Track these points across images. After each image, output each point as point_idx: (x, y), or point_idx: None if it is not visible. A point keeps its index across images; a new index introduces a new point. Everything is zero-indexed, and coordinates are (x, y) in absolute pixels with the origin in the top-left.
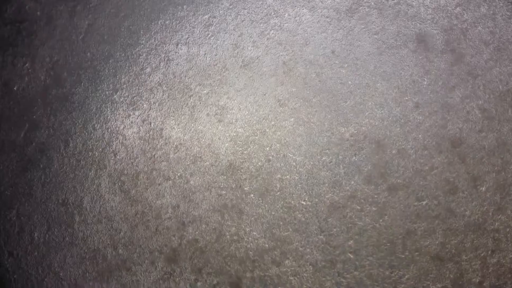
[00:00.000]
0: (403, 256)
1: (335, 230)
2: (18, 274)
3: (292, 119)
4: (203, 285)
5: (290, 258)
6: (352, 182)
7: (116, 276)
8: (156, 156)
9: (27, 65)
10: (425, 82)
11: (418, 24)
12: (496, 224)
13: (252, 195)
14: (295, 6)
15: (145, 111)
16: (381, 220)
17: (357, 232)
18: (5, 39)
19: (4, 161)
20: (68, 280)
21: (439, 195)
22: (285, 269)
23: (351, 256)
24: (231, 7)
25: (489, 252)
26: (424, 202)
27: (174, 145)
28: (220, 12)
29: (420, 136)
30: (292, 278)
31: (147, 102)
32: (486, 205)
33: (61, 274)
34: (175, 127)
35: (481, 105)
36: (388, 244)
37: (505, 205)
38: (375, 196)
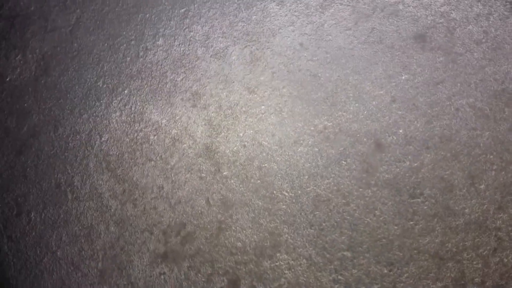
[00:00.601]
0: (401, 254)
1: (324, 224)
2: (17, 257)
3: (262, 107)
4: (197, 273)
5: (281, 250)
6: (333, 175)
7: (111, 255)
8: (137, 137)
9: (19, 57)
10: (403, 77)
11: (395, 21)
12: (498, 222)
13: (232, 180)
14: (264, 0)
15: (126, 96)
16: (371, 215)
17: (347, 228)
18: None
19: (0, 146)
20: (66, 259)
21: (435, 192)
22: (278, 263)
23: (348, 254)
24: (205, 1)
25: (491, 251)
26: (419, 199)
27: (153, 128)
28: (195, 5)
29: (401, 131)
30: (287, 272)
31: (127, 89)
32: (486, 203)
33: (58, 254)
34: (154, 111)
35: (472, 103)
36: (384, 241)
37: (507, 203)
38: (360, 189)
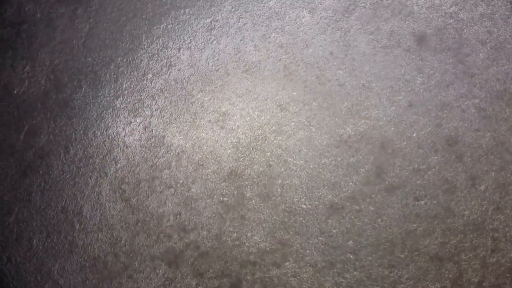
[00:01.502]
0: (402, 256)
1: (334, 231)
2: (16, 280)
3: (292, 123)
4: None
5: (290, 259)
6: (351, 183)
7: (117, 284)
8: (157, 164)
9: (27, 68)
10: (418, 81)
11: (411, 23)
12: (496, 223)
13: (253, 200)
14: (296, 8)
15: (146, 118)
16: (379, 220)
17: (356, 233)
18: (4, 41)
19: (3, 165)
20: (68, 287)
21: (438, 194)
22: (285, 271)
23: (351, 256)
24: (233, 10)
25: (489, 252)
26: (422, 202)
27: (176, 153)
28: (222, 15)
29: (414, 135)
30: (292, 279)
31: (148, 109)
32: (485, 204)
33: (60, 282)
34: (177, 135)
35: (477, 104)
36: (387, 244)
37: (505, 204)
38: (373, 196)
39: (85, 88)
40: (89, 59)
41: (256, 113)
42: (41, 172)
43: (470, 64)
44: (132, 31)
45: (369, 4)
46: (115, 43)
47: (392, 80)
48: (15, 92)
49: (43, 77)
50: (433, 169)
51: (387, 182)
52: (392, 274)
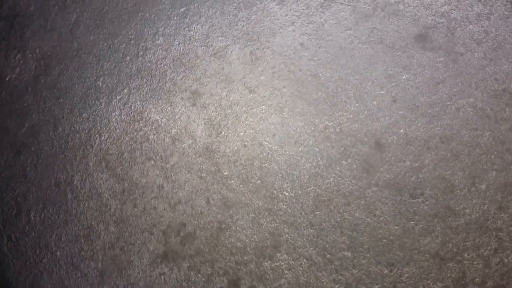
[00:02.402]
0: (401, 254)
1: (324, 224)
2: (16, 258)
3: (263, 106)
4: (197, 273)
5: (282, 250)
6: (333, 175)
7: (111, 256)
8: (137, 136)
9: (18, 56)
10: (403, 77)
11: (395, 21)
12: (499, 222)
13: (232, 180)
14: (264, 0)
15: (125, 96)
16: (372, 215)
17: (348, 227)
18: None
19: None
20: (65, 260)
21: (436, 192)
22: (278, 263)
23: (348, 254)
24: (205, 0)
25: (492, 251)
26: (419, 199)
27: (153, 127)
28: (195, 5)
29: (401, 131)
30: (287, 272)
31: (127, 88)
32: (487, 203)
33: (58, 254)
34: (153, 110)
35: (473, 102)
36: (384, 241)
37: (507, 204)
38: (361, 190)
39: (71, 70)
40: (75, 44)
41: (225, 92)
42: (33, 148)
43: (464, 63)
44: (113, 19)
45: (347, 1)
46: (98, 29)
47: (372, 75)
48: (7, 79)
49: (33, 63)
50: (428, 167)
51: (376, 177)
52: (392, 273)
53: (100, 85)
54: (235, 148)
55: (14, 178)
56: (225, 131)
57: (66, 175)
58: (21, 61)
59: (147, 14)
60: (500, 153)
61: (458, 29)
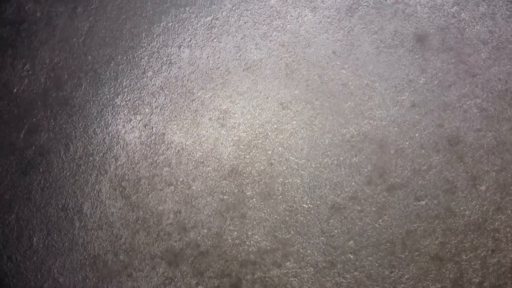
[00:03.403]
0: (402, 256)
1: (336, 231)
2: (17, 278)
3: (294, 122)
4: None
5: (291, 259)
6: (353, 183)
7: (117, 282)
8: (157, 161)
9: (27, 66)
10: (421, 81)
11: (414, 23)
12: (496, 223)
13: (254, 199)
14: (297, 7)
15: (146, 116)
16: (380, 220)
17: (357, 233)
18: (4, 40)
19: (3, 163)
20: (67, 286)
21: (439, 194)
22: (286, 271)
23: (351, 257)
24: (233, 8)
25: (489, 252)
26: (423, 202)
27: (176, 150)
28: (223, 13)
29: (417, 135)
30: (293, 279)
31: (148, 107)
32: (486, 204)
33: (60, 280)
34: (177, 132)
35: (479, 103)
36: (388, 244)
37: (505, 204)
38: (375, 196)
39: (85, 86)
40: (89, 57)
41: (257, 111)
42: (41, 170)
43: (472, 64)
44: (132, 29)
45: (372, 3)
46: (115, 41)
47: (395, 80)
48: (15, 90)
49: (43, 75)
50: (434, 169)
51: (389, 183)
52: (392, 274)
53: (118, 103)
54: (262, 167)
55: (17, 200)
56: (254, 151)
57: (75, 202)
58: (29, 72)
59: (170, 24)
60: (500, 154)
61: (467, 29)
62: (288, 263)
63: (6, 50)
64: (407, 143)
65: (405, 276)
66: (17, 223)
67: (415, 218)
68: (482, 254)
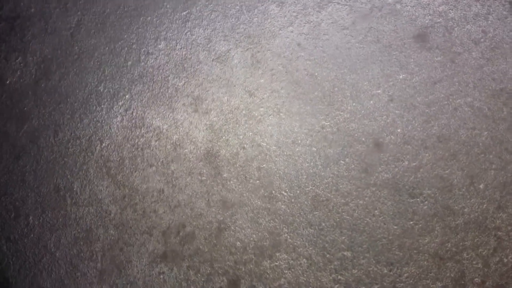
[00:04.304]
0: (400, 254)
1: (324, 224)
2: (16, 256)
3: (261, 109)
4: (196, 273)
5: (281, 250)
6: (331, 175)
7: (110, 256)
8: (139, 143)
9: (19, 59)
10: (400, 77)
11: (393, 20)
12: (497, 222)
13: (231, 182)
14: (265, 2)
15: (127, 101)
16: (371, 215)
17: (347, 227)
18: None
19: None
20: (64, 260)
21: (435, 192)
22: (278, 262)
23: (348, 254)
24: (207, 3)
25: (491, 251)
26: (418, 199)
27: (155, 133)
28: (197, 8)
29: (398, 130)
30: (287, 271)
31: (129, 93)
32: (485, 202)
33: (57, 254)
34: (155, 116)
35: (471, 102)
36: (384, 240)
37: (506, 203)
38: (359, 189)
39: (72, 75)
40: (76, 48)
41: (226, 97)
42: (33, 154)
43: (462, 63)
44: (115, 23)
45: (344, 0)
46: (99, 33)
47: (368, 74)
48: (7, 82)
49: (34, 67)
50: (426, 166)
51: (374, 177)
52: (391, 273)
53: (102, 90)
54: (235, 151)
55: (12, 183)
56: (226, 135)
57: (66, 181)
58: (21, 64)
59: (149, 18)
60: (498, 153)
61: (455, 28)
62: (278, 254)
63: (0, 46)
64: (388, 137)
65: (405, 275)
66: (13, 204)
67: (411, 215)
68: (483, 253)
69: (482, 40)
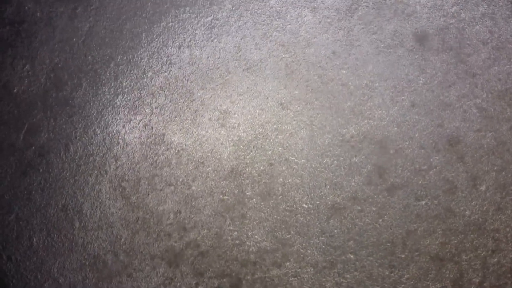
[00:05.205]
0: (403, 256)
1: (336, 231)
2: (16, 278)
3: (294, 122)
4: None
5: (291, 260)
6: (353, 183)
7: (116, 283)
8: (157, 161)
9: (27, 67)
10: (421, 81)
11: (414, 23)
12: (496, 223)
13: (254, 199)
14: (297, 7)
15: (146, 116)
16: (380, 220)
17: (357, 233)
18: (4, 40)
19: (3, 164)
20: (67, 286)
21: (439, 194)
22: (286, 271)
23: (351, 257)
24: (233, 8)
25: (489, 252)
26: (423, 202)
27: (176, 151)
28: (223, 14)
29: (416, 135)
30: (293, 279)
31: (148, 107)
32: (486, 204)
33: (60, 280)
34: (177, 132)
35: (479, 104)
36: (388, 244)
37: (505, 204)
38: (375, 196)
39: (85, 86)
40: (89, 57)
41: (257, 111)
42: (41, 170)
43: (472, 64)
44: (132, 30)
45: (372, 3)
46: (115, 41)
47: (395, 80)
48: (15, 91)
49: (43, 76)
50: (434, 169)
51: (389, 183)
52: (392, 274)
53: (118, 103)
54: (262, 168)
55: (17, 200)
56: (254, 151)
57: (75, 202)
58: (29, 73)
59: (170, 24)
60: (500, 154)
61: (466, 29)
62: (288, 263)
63: (6, 51)
64: (407, 143)
65: (405, 276)
66: (17, 223)
67: (415, 218)
68: (482, 254)
69: (489, 40)
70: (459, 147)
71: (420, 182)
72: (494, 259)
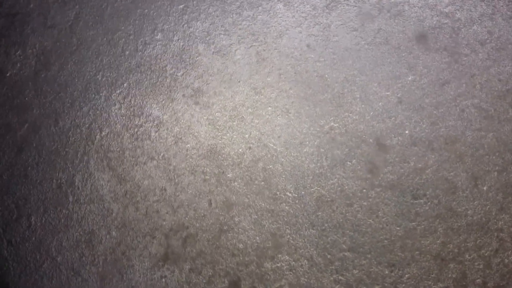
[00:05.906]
0: (402, 255)
1: (326, 225)
2: (16, 262)
3: (269, 108)
4: (198, 275)
5: (283, 251)
6: (337, 176)
7: (112, 260)
8: (138, 133)
9: (18, 52)
10: (409, 78)
11: (401, 21)
12: (500, 223)
13: (236, 182)
14: (270, 0)
15: (125, 89)
16: (374, 216)
17: (350, 228)
18: None
19: (1, 143)
20: (66, 265)
21: (438, 194)
22: (280, 264)
23: (349, 254)
24: None
25: (493, 252)
26: (421, 201)
27: (154, 123)
28: (194, 2)
29: (406, 132)
30: (288, 272)
31: (127, 82)
32: (488, 204)
33: (58, 259)
34: (154, 106)
35: (478, 103)
36: (386, 242)
37: (508, 204)
38: (364, 191)
39: (71, 65)
40: (74, 39)
41: (229, 93)
42: (35, 144)
43: (469, 64)
44: (112, 15)
45: (353, 1)
46: (97, 25)
47: (378, 76)
48: (8, 74)
49: (34, 59)
50: (431, 168)
51: (380, 178)
52: (392, 273)
53: (100, 79)
54: (240, 150)
55: (15, 179)
56: (230, 133)
57: (67, 175)
58: (21, 57)
59: (146, 11)
60: (502, 154)
61: (462, 29)
62: (280, 255)
63: (0, 40)
64: (396, 139)
65: (406, 276)
66: (16, 203)
67: (414, 216)
68: (485, 254)
69: (488, 41)
70: (456, 146)
71: (416, 180)
72: (498, 259)
